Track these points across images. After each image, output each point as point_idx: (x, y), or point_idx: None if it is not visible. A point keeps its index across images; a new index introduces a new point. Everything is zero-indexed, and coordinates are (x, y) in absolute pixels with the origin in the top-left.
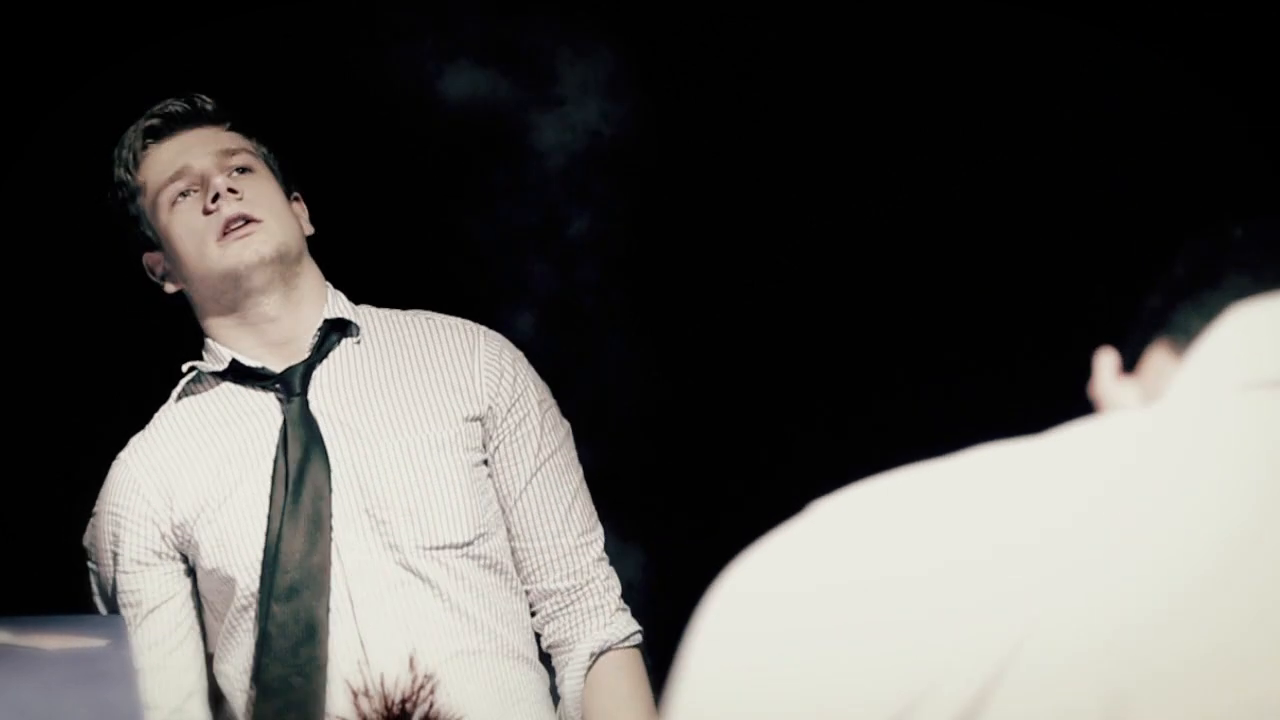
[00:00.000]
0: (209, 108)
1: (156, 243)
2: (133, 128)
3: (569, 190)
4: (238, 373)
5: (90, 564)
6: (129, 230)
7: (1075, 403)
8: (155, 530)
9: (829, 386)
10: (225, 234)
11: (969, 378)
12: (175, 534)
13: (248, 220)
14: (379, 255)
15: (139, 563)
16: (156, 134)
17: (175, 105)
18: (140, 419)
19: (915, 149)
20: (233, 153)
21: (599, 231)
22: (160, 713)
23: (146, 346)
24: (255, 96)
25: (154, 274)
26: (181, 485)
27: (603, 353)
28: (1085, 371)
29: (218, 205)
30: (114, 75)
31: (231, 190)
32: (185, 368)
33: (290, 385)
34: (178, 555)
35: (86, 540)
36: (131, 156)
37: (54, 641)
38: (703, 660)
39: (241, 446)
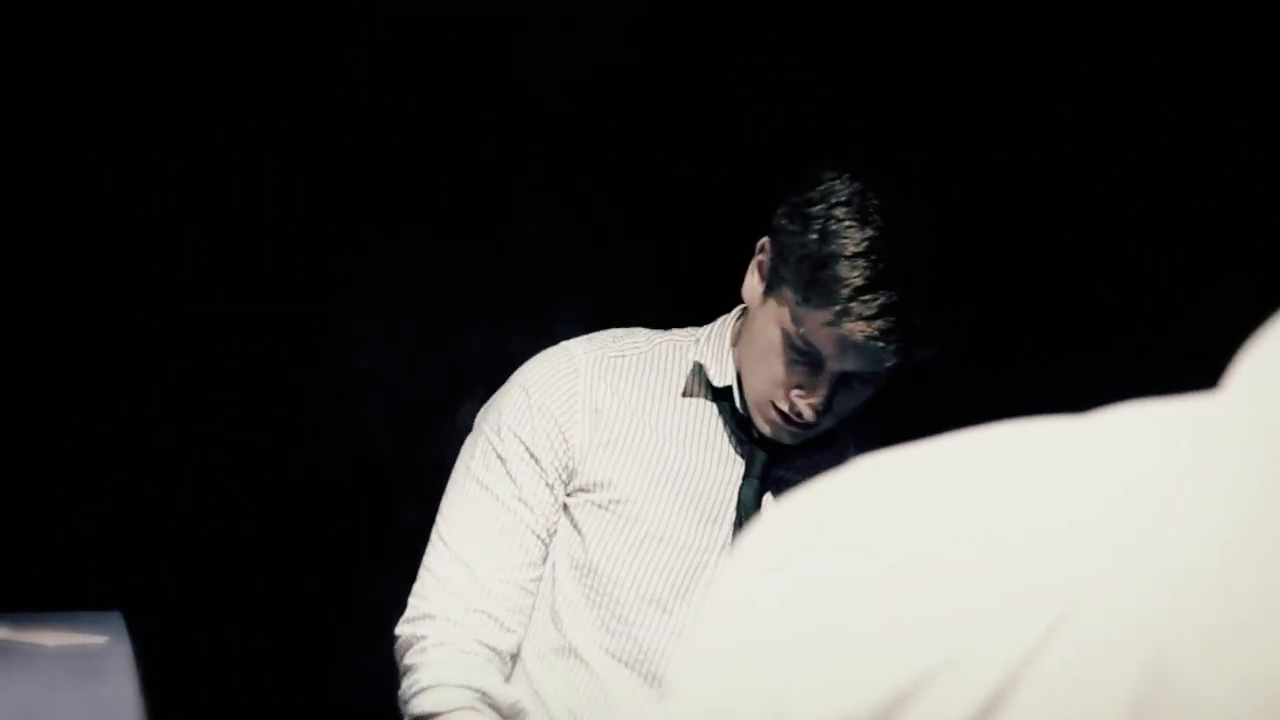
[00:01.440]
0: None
1: (769, 281)
2: (875, 252)
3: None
4: (720, 400)
5: (488, 429)
6: (784, 229)
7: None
8: (556, 454)
9: None
10: (785, 419)
11: (967, 376)
12: (565, 473)
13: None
14: (385, 256)
15: (523, 466)
16: (866, 309)
17: (906, 325)
18: (139, 419)
19: (914, 148)
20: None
21: (600, 224)
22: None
23: (147, 346)
24: (255, 96)
25: (757, 269)
26: (612, 440)
27: None
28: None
29: (796, 411)
30: (114, 75)
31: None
32: (696, 359)
33: (752, 466)
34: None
35: (500, 408)
36: (843, 272)
37: (53, 638)
38: (717, 625)
39: (695, 461)
